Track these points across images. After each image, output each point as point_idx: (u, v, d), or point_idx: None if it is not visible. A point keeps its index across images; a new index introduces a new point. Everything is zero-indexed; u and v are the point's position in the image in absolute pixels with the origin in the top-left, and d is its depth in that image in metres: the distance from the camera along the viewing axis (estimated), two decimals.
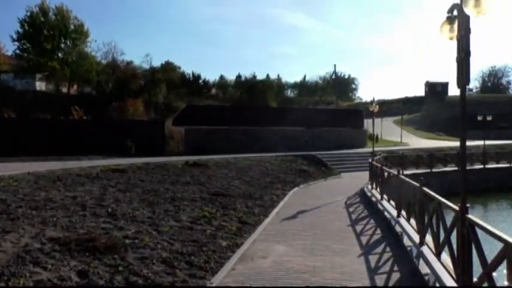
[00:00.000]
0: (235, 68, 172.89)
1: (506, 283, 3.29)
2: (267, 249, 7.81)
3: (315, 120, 35.11)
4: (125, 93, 45.52)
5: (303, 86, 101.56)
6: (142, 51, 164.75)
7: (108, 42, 58.81)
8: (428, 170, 24.01)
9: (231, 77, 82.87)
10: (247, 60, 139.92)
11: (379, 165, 13.91)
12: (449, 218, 5.42)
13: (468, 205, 4.50)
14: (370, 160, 17.99)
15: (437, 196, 5.95)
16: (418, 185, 7.23)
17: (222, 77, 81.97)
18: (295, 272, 6.45)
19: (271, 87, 72.57)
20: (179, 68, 63.85)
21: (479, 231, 4.22)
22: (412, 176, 21.52)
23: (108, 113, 39.55)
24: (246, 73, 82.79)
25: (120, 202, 10.62)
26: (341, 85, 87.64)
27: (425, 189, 6.74)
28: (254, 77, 75.07)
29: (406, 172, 21.74)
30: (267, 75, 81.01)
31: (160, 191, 12.82)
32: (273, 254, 7.48)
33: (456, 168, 25.55)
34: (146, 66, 57.50)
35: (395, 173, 10.53)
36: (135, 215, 9.32)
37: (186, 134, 31.01)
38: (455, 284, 4.80)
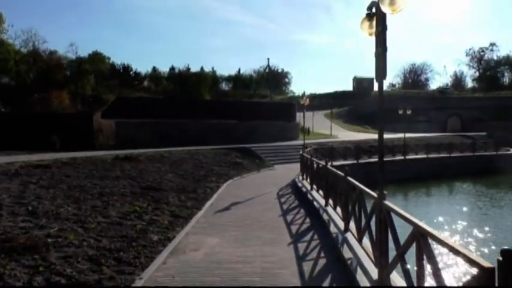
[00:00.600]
0: (168, 60, 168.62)
1: (415, 262, 3.59)
2: (200, 242, 7.80)
3: (249, 113, 35.48)
4: (48, 85, 42.70)
5: (237, 79, 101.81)
6: (66, 40, 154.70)
7: (27, 30, 54.54)
8: (355, 161, 25.26)
9: (164, 69, 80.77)
10: (181, 53, 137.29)
11: (309, 157, 14.41)
12: (370, 206, 5.77)
13: (385, 192, 4.83)
14: (301, 152, 18.56)
15: (359, 185, 6.31)
16: (343, 174, 7.61)
17: (154, 69, 79.66)
18: (227, 262, 6.52)
19: (205, 79, 71.87)
20: (108, 58, 61.14)
21: (395, 218, 4.55)
22: (340, 167, 22.62)
23: (30, 106, 36.88)
24: (180, 65, 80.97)
25: (42, 199, 10.00)
26: (274, 79, 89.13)
27: (349, 178, 7.11)
28: (188, 69, 74.03)
29: (334, 163, 22.72)
30: (201, 68, 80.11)
31: (87, 186, 12.26)
32: (205, 246, 7.49)
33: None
34: (72, 56, 54.34)
35: (324, 164, 10.96)
36: (59, 212, 8.84)
37: (116, 127, 29.82)
38: (374, 267, 5.13)
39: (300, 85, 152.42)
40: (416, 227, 3.55)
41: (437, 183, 27.50)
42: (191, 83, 64.75)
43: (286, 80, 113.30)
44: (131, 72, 64.06)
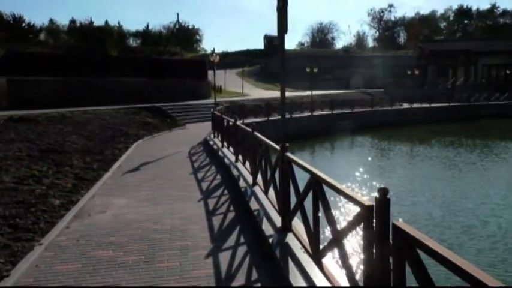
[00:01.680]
0: (67, 12, 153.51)
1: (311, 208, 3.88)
2: (107, 204, 7.58)
3: (159, 71, 34.19)
4: None
5: (146, 35, 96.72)
6: None
7: None
8: (266, 118, 25.92)
9: (63, 21, 73.76)
10: (82, 3, 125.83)
11: (220, 115, 14.46)
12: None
13: (287, 144, 5.06)
14: (212, 110, 18.53)
15: (265, 140, 6.52)
16: (250, 130, 7.78)
17: (52, 21, 72.36)
18: (136, 222, 6.45)
19: (110, 34, 67.26)
20: None
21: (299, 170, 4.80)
22: (251, 124, 23.12)
23: None
24: (81, 18, 74.22)
25: None
26: (185, 36, 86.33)
27: (256, 134, 7.30)
28: (91, 22, 68.50)
29: (246, 121, 23.09)
30: (106, 22, 74.58)
31: None
32: (113, 208, 7.30)
33: (289, 116, 28.24)
34: None
35: (233, 121, 11.09)
36: None
37: (8, 85, 26.88)
38: (278, 215, 5.44)
39: (212, 43, 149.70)
40: (312, 175, 3.81)
41: (341, 137, 29.45)
42: (95, 38, 60.13)
43: (197, 37, 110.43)
44: (23, 24, 57.48)
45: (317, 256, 3.75)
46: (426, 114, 39.23)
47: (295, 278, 3.88)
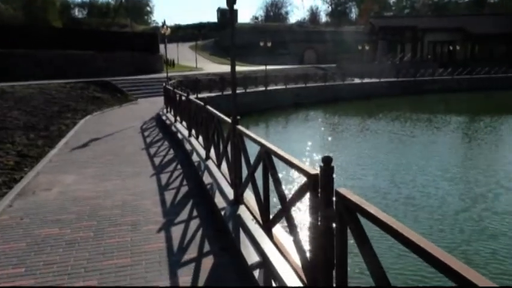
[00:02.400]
0: None
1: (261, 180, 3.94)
2: (53, 181, 7.29)
3: (108, 44, 32.70)
4: None
5: (92, 6, 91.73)
6: None
7: None
8: (220, 93, 25.69)
9: None
10: None
11: (172, 89, 14.16)
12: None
13: (238, 117, 5.05)
14: (164, 84, 18.11)
15: (217, 113, 6.48)
16: (202, 104, 7.69)
17: None
18: (85, 199, 6.27)
19: (53, 4, 63.08)
20: None
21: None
22: (204, 99, 22.86)
23: None
24: None
25: None
26: (135, 7, 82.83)
27: (208, 107, 7.24)
28: None
29: (200, 95, 22.79)
30: None
31: None
32: (60, 185, 7.04)
33: (243, 91, 28.17)
34: None
35: (186, 95, 10.90)
36: None
37: None
38: (230, 188, 5.48)
39: (164, 15, 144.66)
40: (262, 146, 3.84)
41: (295, 111, 29.84)
42: (36, 8, 56.18)
43: (148, 8, 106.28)
44: None
45: (267, 226, 3.83)
46: (376, 89, 40.47)
47: (246, 248, 3.96)
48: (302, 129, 23.22)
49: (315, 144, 17.85)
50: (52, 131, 12.55)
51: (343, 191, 2.32)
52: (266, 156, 3.73)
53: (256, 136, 4.23)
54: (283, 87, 32.68)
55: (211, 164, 7.20)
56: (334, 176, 2.54)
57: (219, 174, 6.41)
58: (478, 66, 51.18)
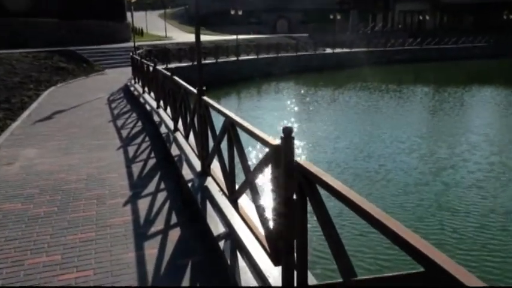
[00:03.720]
0: None
1: (226, 153, 3.91)
2: (14, 155, 7.05)
3: (72, 11, 31.19)
4: None
5: None
6: None
7: None
8: (190, 63, 25.20)
9: None
10: None
11: (139, 59, 13.75)
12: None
13: (204, 88, 4.96)
14: (131, 54, 17.57)
15: (184, 84, 6.34)
16: (169, 74, 7.51)
17: None
18: (49, 173, 6.10)
19: None
20: None
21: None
22: (175, 69, 22.37)
23: None
24: None
25: None
26: None
27: (175, 78, 7.07)
28: None
29: (170, 66, 22.31)
30: None
31: None
32: (22, 159, 6.82)
33: (214, 61, 27.73)
34: None
35: (153, 65, 10.61)
36: None
37: None
38: (198, 160, 5.44)
39: None
40: (227, 117, 3.80)
41: (267, 82, 29.69)
42: None
43: None
44: None
45: (233, 197, 3.84)
46: (347, 59, 40.62)
47: (213, 219, 3.97)
48: (272, 101, 23.14)
49: (282, 116, 17.89)
50: (14, 103, 12.06)
51: (303, 162, 2.33)
52: (231, 127, 3.69)
53: (222, 107, 4.17)
54: (255, 57, 32.33)
55: (180, 136, 7.10)
56: (295, 147, 2.54)
57: (187, 146, 6.34)
58: (447, 36, 52.00)
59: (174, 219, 4.51)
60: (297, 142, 12.97)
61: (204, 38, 43.77)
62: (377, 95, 24.60)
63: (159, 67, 10.29)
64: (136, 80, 15.07)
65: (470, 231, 7.28)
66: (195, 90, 5.21)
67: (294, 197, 2.48)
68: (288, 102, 22.39)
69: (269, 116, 18.15)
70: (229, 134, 3.75)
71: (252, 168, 3.35)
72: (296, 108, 20.61)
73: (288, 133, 2.46)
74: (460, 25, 59.76)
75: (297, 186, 2.39)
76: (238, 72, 29.16)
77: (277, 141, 2.64)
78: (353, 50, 42.93)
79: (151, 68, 10.96)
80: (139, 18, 54.39)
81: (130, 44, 31.28)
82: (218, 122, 4.77)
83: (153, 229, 4.27)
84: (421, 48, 48.86)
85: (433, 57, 45.86)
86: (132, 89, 14.61)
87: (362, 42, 45.77)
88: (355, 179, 9.89)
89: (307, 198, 2.33)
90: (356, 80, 30.43)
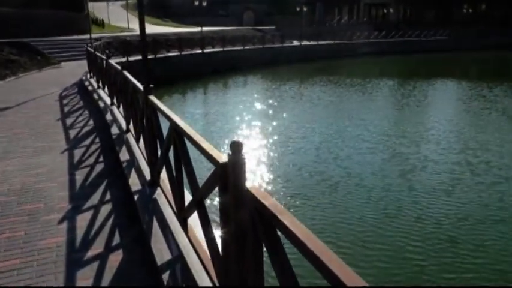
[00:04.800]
0: None
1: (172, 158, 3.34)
2: None
3: (27, 0, 29.38)
4: None
5: None
6: None
7: None
8: (153, 56, 24.18)
9: None
10: None
11: (93, 51, 12.83)
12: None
13: (152, 85, 4.34)
14: (86, 46, 16.52)
15: (132, 80, 5.68)
16: (119, 68, 6.81)
17: None
18: None
19: None
20: None
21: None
22: (136, 63, 21.37)
23: None
24: None
25: None
26: None
27: (125, 73, 6.38)
28: None
29: (131, 59, 21.32)
30: None
31: None
32: None
33: (178, 53, 26.80)
34: None
35: (105, 58, 9.81)
36: None
37: None
38: (146, 165, 4.83)
39: None
40: (172, 123, 3.21)
41: (234, 75, 29.01)
42: None
43: None
44: None
45: (182, 215, 3.28)
46: (314, 51, 40.48)
47: (158, 241, 3.40)
48: (239, 96, 22.51)
49: (248, 111, 17.35)
50: None
51: (255, 191, 1.79)
52: (176, 134, 3.11)
53: (168, 109, 3.58)
54: (221, 49, 31.55)
55: (132, 138, 6.44)
56: (246, 164, 2.00)
57: (137, 149, 5.70)
58: (410, 29, 52.83)
59: (116, 239, 3.89)
60: (259, 141, 12.44)
61: (168, 30, 42.47)
62: (343, 89, 24.35)
63: (118, 60, 9.51)
64: (92, 74, 14.12)
65: (432, 232, 7.00)
66: (140, 87, 4.58)
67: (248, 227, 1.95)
68: (255, 97, 21.80)
69: (235, 111, 17.57)
70: (175, 142, 3.18)
71: (200, 184, 2.79)
72: (262, 104, 19.93)
73: (236, 149, 1.92)
74: (423, 18, 60.87)
75: (249, 219, 1.86)
76: (203, 66, 28.34)
77: (224, 157, 2.10)
78: (319, 42, 42.82)
79: (104, 62, 10.14)
80: (100, 9, 52.34)
81: (89, 35, 29.87)
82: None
83: (90, 253, 3.64)
84: (386, 41, 49.42)
85: (397, 50, 46.41)
86: (86, 83, 13.67)
87: (328, 35, 45.75)
88: (311, 182, 9.30)
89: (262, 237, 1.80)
90: (322, 74, 30.17)
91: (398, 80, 28.49)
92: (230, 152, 1.95)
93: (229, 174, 1.98)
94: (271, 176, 9.70)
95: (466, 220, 7.40)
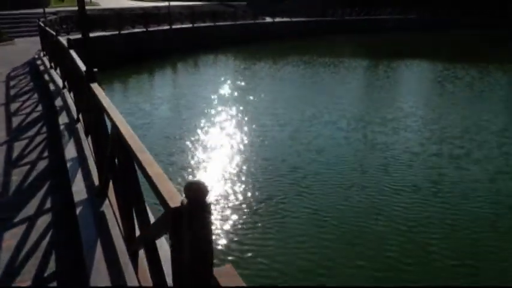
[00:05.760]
0: None
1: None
2: None
3: None
4: None
5: None
6: None
7: None
8: (117, 32, 22.66)
9: None
10: None
11: (44, 27, 11.53)
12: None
13: (95, 69, 3.47)
14: (38, 21, 15.03)
15: (78, 61, 4.74)
16: (66, 46, 5.82)
17: None
18: None
19: None
20: None
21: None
22: (97, 39, 19.88)
23: None
24: None
25: None
26: None
27: (72, 52, 5.41)
28: None
29: (92, 35, 19.79)
30: None
31: None
32: None
33: (144, 30, 25.29)
34: None
35: (54, 34, 8.66)
36: None
37: None
38: (93, 161, 3.99)
39: None
40: (114, 126, 2.38)
41: (204, 53, 27.71)
42: None
43: None
44: None
45: (132, 247, 2.50)
46: (287, 29, 39.42)
47: (99, 277, 2.60)
48: (208, 76, 21.32)
49: (215, 95, 16.36)
50: None
51: (225, 279, 1.03)
52: (118, 144, 2.29)
53: (109, 104, 2.74)
54: (190, 25, 30.10)
55: (82, 130, 5.53)
56: (211, 212, 1.24)
57: (88, 146, 4.81)
58: (382, 6, 52.11)
59: (51, 266, 3.08)
60: (229, 131, 11.57)
61: (133, 4, 40.30)
62: (316, 69, 23.37)
63: (76, 37, 8.38)
64: (45, 53, 12.81)
65: (401, 224, 6.48)
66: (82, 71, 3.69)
67: None
68: (225, 77, 20.67)
69: (205, 92, 16.61)
70: (118, 153, 2.36)
71: (151, 219, 2.00)
72: (233, 86, 18.65)
73: (196, 195, 1.14)
74: None
75: None
76: (170, 42, 26.93)
77: (177, 201, 1.32)
78: (293, 19, 41.76)
79: (54, 39, 8.97)
80: None
81: (50, 9, 27.80)
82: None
83: (15, 285, 2.83)
84: (358, 18, 48.81)
85: (368, 28, 45.82)
86: (39, 62, 12.36)
87: (301, 12, 44.65)
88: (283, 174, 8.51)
89: None
90: (296, 53, 29.06)
91: (371, 61, 27.94)
92: (184, 196, 1.17)
93: (183, 224, 1.21)
94: (235, 171, 8.91)
95: (450, 211, 6.92)
